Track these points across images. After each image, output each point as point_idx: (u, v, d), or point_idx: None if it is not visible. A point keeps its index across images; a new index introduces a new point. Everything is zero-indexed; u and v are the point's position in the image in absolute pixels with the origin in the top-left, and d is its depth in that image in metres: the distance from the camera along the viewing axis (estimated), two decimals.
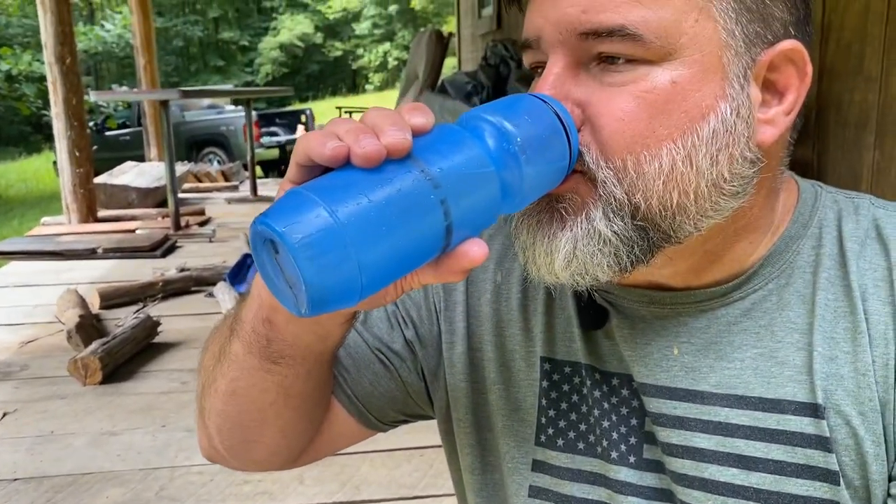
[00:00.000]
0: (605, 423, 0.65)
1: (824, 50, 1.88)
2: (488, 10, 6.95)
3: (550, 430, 0.68)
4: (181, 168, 7.19)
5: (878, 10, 1.68)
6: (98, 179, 6.06)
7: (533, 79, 0.61)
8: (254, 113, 8.35)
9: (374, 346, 0.72)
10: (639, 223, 0.55)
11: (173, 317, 3.39)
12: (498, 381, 0.70)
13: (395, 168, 0.44)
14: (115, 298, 3.56)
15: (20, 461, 2.19)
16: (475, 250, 0.47)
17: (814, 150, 1.94)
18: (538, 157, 0.50)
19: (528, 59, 0.61)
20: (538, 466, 0.68)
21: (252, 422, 0.67)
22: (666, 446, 0.62)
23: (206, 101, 11.59)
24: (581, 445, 0.67)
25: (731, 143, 0.55)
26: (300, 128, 12.25)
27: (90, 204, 5.52)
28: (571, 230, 0.55)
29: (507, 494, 0.70)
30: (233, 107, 11.45)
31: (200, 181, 7.84)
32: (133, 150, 9.64)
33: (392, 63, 29.07)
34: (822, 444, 0.58)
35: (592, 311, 0.66)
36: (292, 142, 11.60)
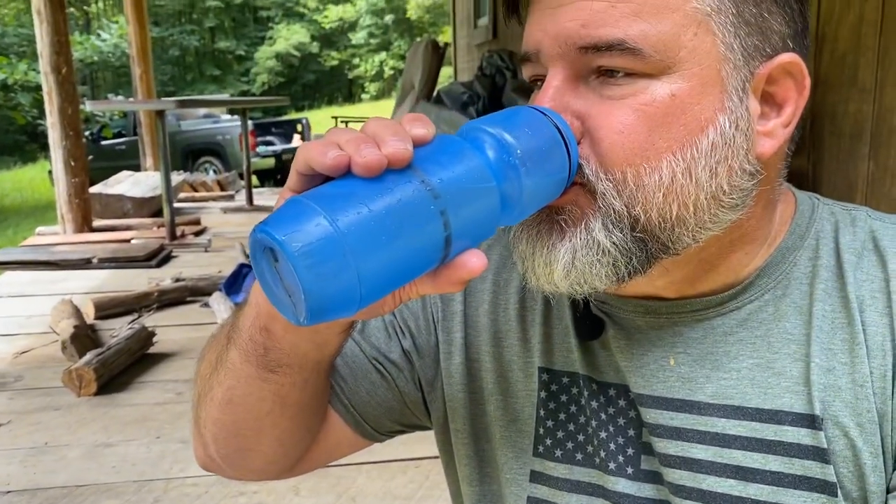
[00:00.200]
0: (603, 434, 0.65)
1: (818, 61, 1.89)
2: (484, 21, 6.98)
3: (548, 441, 0.68)
4: (177, 177, 7.18)
5: (872, 21, 1.69)
6: (93, 189, 6.05)
7: (529, 90, 0.62)
8: (250, 122, 8.35)
9: (371, 356, 0.72)
10: (638, 235, 0.55)
11: (168, 327, 3.38)
12: (496, 392, 0.70)
13: (395, 178, 0.44)
14: (109, 309, 3.54)
15: (13, 473, 2.18)
16: (474, 261, 0.47)
17: (809, 160, 1.95)
18: (538, 169, 0.50)
19: (527, 72, 0.61)
20: (536, 477, 0.68)
21: (248, 430, 0.66)
22: (663, 457, 0.62)
23: (202, 111, 11.59)
24: (579, 456, 0.67)
25: (730, 155, 0.55)
26: (296, 137, 12.26)
27: (85, 214, 5.50)
28: (570, 241, 0.56)
29: None
30: (229, 116, 11.45)
31: (196, 191, 7.83)
32: (129, 160, 9.62)
33: (388, 72, 29.15)
34: (820, 455, 0.58)
35: (589, 321, 0.66)
36: (288, 151, 11.61)
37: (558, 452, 0.67)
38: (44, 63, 5.24)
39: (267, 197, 7.37)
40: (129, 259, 4.59)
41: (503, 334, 0.71)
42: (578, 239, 0.55)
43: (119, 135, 11.28)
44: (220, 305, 3.53)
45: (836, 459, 0.57)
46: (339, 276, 0.40)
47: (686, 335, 0.63)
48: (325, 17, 29.95)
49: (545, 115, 0.53)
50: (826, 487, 0.58)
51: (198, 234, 5.53)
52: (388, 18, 29.28)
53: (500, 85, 5.07)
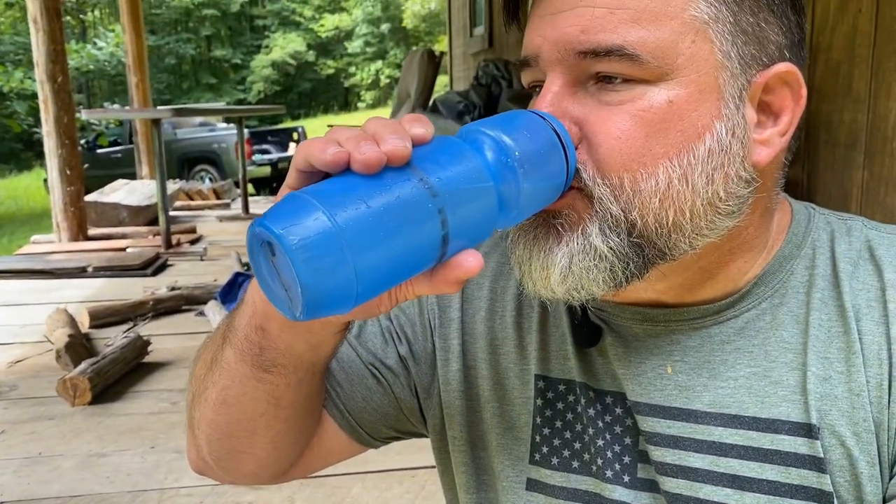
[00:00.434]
0: (600, 442, 0.65)
1: (813, 70, 1.90)
2: (480, 30, 7.01)
3: (545, 449, 0.68)
4: (172, 186, 7.18)
5: (866, 31, 1.70)
6: (89, 197, 6.04)
7: (525, 98, 0.62)
8: (246, 131, 8.36)
9: (367, 361, 0.72)
10: (635, 240, 0.55)
11: (163, 336, 3.37)
12: (492, 399, 0.70)
13: (394, 176, 0.44)
14: (104, 317, 3.53)
15: (7, 483, 2.16)
16: (470, 261, 0.47)
17: (804, 169, 1.96)
18: (536, 172, 0.51)
19: (526, 78, 0.62)
20: (532, 485, 0.68)
21: (242, 432, 0.66)
22: (660, 465, 0.62)
23: (198, 119, 11.59)
24: (576, 464, 0.67)
25: (726, 162, 0.55)
26: (292, 146, 12.26)
27: (81, 222, 5.49)
28: (567, 245, 0.56)
29: None
30: (225, 124, 11.46)
31: (192, 199, 7.83)
32: (124, 168, 9.62)
33: (384, 81, 29.21)
34: (817, 464, 0.58)
35: (587, 328, 0.66)
36: (284, 159, 11.62)
37: (555, 460, 0.67)
38: (40, 72, 5.25)
39: (263, 205, 7.36)
40: (124, 268, 4.58)
41: (500, 342, 0.71)
42: (575, 244, 0.56)
43: (115, 143, 11.27)
44: (215, 314, 3.52)
45: (833, 469, 0.58)
46: (336, 271, 0.41)
47: (683, 343, 0.63)
48: (322, 25, 30.02)
49: (544, 118, 0.54)
50: (822, 497, 0.57)
51: (193, 242, 5.52)
52: (385, 27, 29.37)
53: (496, 94, 5.09)
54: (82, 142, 9.85)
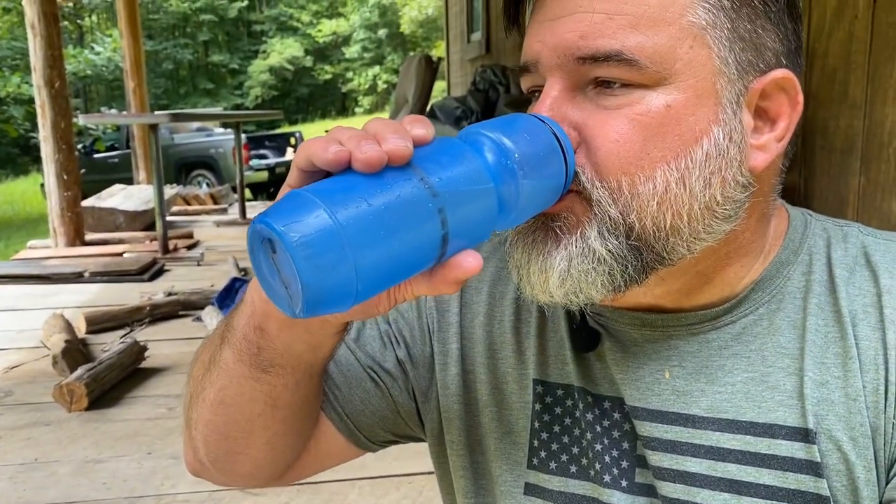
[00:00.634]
0: (598, 447, 0.65)
1: (809, 77, 1.91)
2: (477, 36, 7.02)
3: (543, 453, 0.68)
4: (169, 191, 7.17)
5: (862, 38, 1.71)
6: (86, 202, 6.03)
7: (522, 104, 0.63)
8: (243, 136, 8.36)
9: (365, 364, 0.72)
10: (633, 243, 0.56)
11: (160, 341, 3.36)
12: (490, 404, 0.70)
13: (395, 175, 0.44)
14: (101, 323, 3.52)
15: (3, 490, 2.15)
16: (470, 261, 0.47)
17: (800, 175, 1.96)
18: (535, 174, 0.51)
19: (526, 83, 0.62)
20: (531, 490, 0.68)
21: (239, 432, 0.66)
22: (657, 470, 0.62)
23: (196, 124, 11.59)
24: (574, 469, 0.67)
25: (723, 166, 0.56)
26: (289, 150, 12.27)
27: (77, 227, 5.49)
28: (566, 248, 0.56)
29: None
30: (222, 129, 11.46)
31: (189, 204, 7.82)
32: (121, 173, 9.61)
33: (381, 86, 29.25)
34: (814, 469, 0.58)
35: (585, 333, 0.66)
36: (282, 164, 11.63)
37: (553, 465, 0.67)
38: (37, 77, 5.24)
39: (260, 210, 7.34)
40: (121, 273, 4.57)
41: (498, 346, 0.71)
42: (574, 247, 0.56)
43: (112, 148, 11.27)
44: (212, 320, 3.52)
45: (830, 473, 0.58)
46: (336, 269, 0.41)
47: (681, 349, 0.63)
48: (319, 31, 30.07)
49: (543, 122, 0.54)
50: (819, 501, 0.58)
51: (190, 247, 5.51)
52: (382, 33, 29.42)
53: (494, 100, 5.10)
54: (79, 146, 9.85)
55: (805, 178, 1.95)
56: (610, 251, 0.55)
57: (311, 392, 0.66)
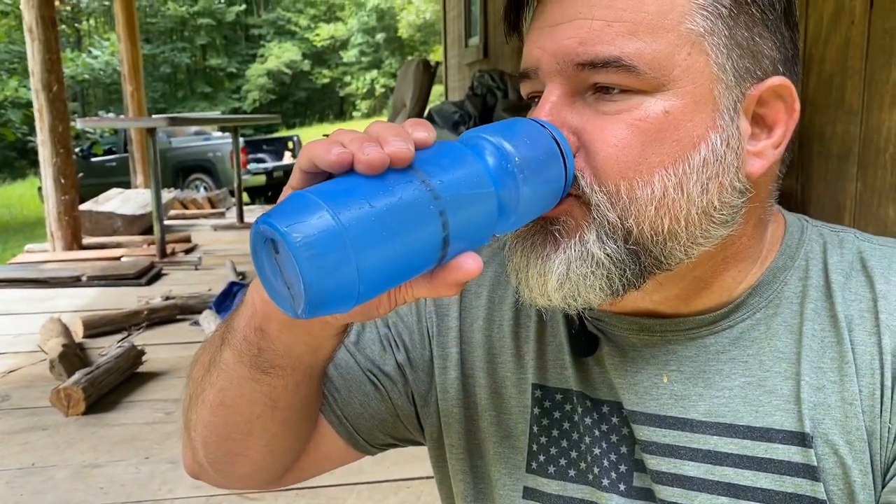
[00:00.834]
0: (596, 451, 0.66)
1: (806, 82, 1.91)
2: (475, 40, 7.03)
3: (542, 457, 0.68)
4: (167, 195, 7.16)
5: (858, 44, 1.72)
6: (83, 206, 6.02)
7: (520, 109, 0.63)
8: (241, 139, 8.35)
9: (365, 368, 0.72)
10: (631, 247, 0.56)
11: (158, 346, 3.36)
12: (489, 408, 0.71)
13: (397, 177, 0.45)
14: (99, 327, 3.51)
15: (0, 494, 2.15)
16: (470, 263, 0.48)
17: (797, 180, 1.97)
18: (535, 178, 0.52)
19: (525, 89, 0.63)
20: (529, 494, 0.68)
21: (238, 434, 0.66)
22: (655, 474, 0.63)
23: (194, 128, 11.58)
24: (572, 473, 0.67)
25: (720, 172, 0.56)
26: (287, 154, 12.27)
27: (75, 231, 5.48)
28: (565, 252, 0.57)
29: None
30: (220, 133, 11.46)
31: (186, 208, 7.82)
32: (119, 177, 9.60)
33: (379, 90, 29.26)
34: (810, 472, 0.58)
35: (584, 338, 0.67)
36: (279, 168, 11.62)
37: (551, 469, 0.68)
38: (35, 81, 5.24)
39: (258, 214, 7.31)
40: (118, 277, 4.56)
41: (497, 351, 0.71)
42: (573, 251, 0.56)
43: (109, 151, 11.26)
44: (210, 324, 3.51)
45: (826, 477, 0.58)
46: (339, 269, 0.41)
47: (679, 353, 0.64)
48: (317, 35, 30.08)
49: (543, 126, 0.55)
50: None
51: (188, 251, 5.51)
52: (380, 37, 29.44)
53: (491, 104, 5.10)
54: (77, 150, 9.83)
55: (802, 184, 1.96)
56: (608, 255, 0.56)
57: (311, 394, 0.67)
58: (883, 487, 0.58)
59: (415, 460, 2.17)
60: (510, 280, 0.61)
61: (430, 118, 5.33)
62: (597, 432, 0.66)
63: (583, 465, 0.66)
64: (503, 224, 0.51)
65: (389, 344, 0.73)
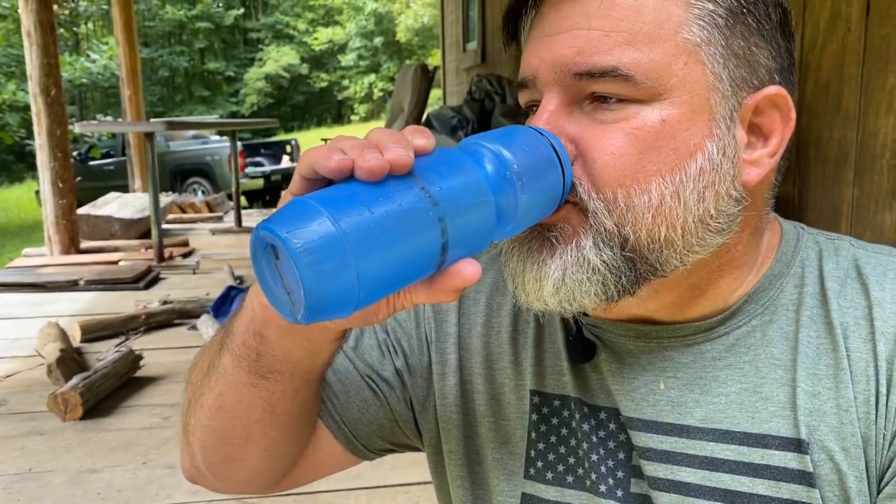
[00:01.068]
0: (594, 457, 0.66)
1: (803, 88, 1.92)
2: (473, 45, 7.04)
3: (539, 464, 0.68)
4: (165, 199, 7.16)
5: (855, 49, 1.72)
6: (81, 210, 6.02)
7: (519, 114, 0.64)
8: (239, 143, 8.35)
9: (364, 373, 0.72)
10: (627, 254, 0.57)
11: (156, 350, 3.35)
12: (488, 414, 0.71)
13: (396, 184, 0.45)
14: (96, 332, 3.51)
15: None
16: (469, 269, 0.48)
17: (794, 185, 1.97)
18: (533, 185, 0.52)
19: (524, 98, 0.63)
20: (527, 500, 0.69)
21: (236, 438, 0.66)
22: (652, 480, 0.63)
23: (192, 131, 11.58)
24: (570, 479, 0.67)
25: (717, 180, 0.56)
26: (285, 158, 12.27)
27: (72, 235, 5.47)
28: (561, 258, 0.57)
29: None
30: (218, 137, 11.46)
31: (184, 212, 7.81)
32: (117, 180, 9.59)
33: (377, 94, 29.29)
34: (806, 479, 0.59)
35: (581, 344, 0.67)
36: (277, 172, 11.62)
37: (549, 475, 0.68)
38: (33, 85, 5.24)
39: (256, 218, 7.34)
40: (116, 281, 4.56)
41: (495, 357, 0.72)
42: (569, 256, 0.57)
43: (107, 155, 11.25)
44: (207, 328, 3.51)
45: (822, 483, 0.58)
46: (339, 275, 0.41)
47: (676, 360, 0.64)
48: (315, 39, 30.11)
49: (541, 134, 0.55)
50: None
51: (186, 255, 5.51)
52: (378, 41, 29.47)
53: (489, 109, 5.10)
54: (75, 154, 9.82)
55: (799, 189, 1.96)
56: (604, 261, 0.56)
57: (309, 399, 0.67)
58: (878, 494, 0.58)
59: (413, 466, 2.17)
60: (507, 285, 0.62)
61: (428, 123, 5.34)
62: (594, 438, 0.66)
63: (580, 471, 0.67)
64: (501, 230, 0.52)
65: (388, 350, 0.74)
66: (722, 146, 0.56)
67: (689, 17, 0.55)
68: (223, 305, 3.67)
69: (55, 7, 5.67)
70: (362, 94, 29.98)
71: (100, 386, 2.76)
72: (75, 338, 3.43)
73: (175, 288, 4.52)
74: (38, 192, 6.20)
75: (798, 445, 0.59)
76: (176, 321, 3.78)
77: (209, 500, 2.07)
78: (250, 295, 0.59)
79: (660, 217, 0.56)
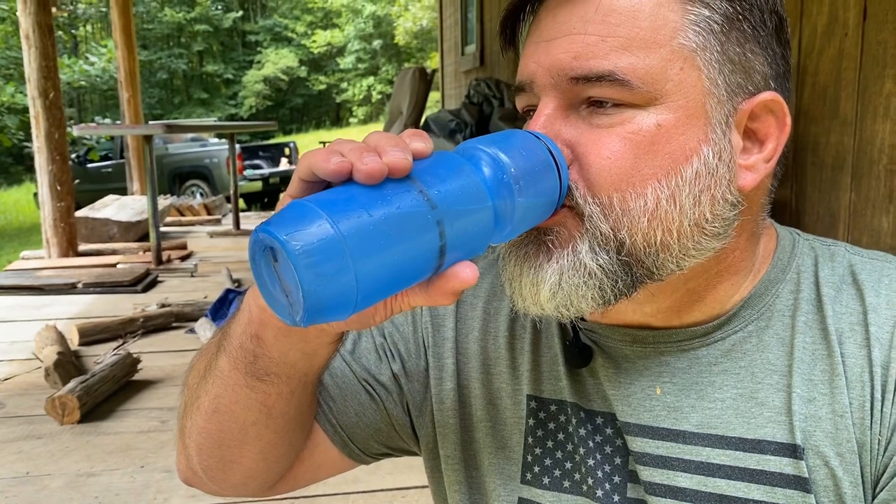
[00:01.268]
0: (591, 462, 0.66)
1: (800, 93, 1.93)
2: (471, 48, 7.05)
3: (536, 468, 0.69)
4: (163, 201, 7.16)
5: (852, 55, 1.73)
6: (79, 213, 6.02)
7: (517, 118, 0.64)
8: (237, 146, 8.35)
9: (361, 377, 0.73)
10: (623, 258, 0.57)
11: (153, 354, 3.35)
12: (485, 419, 0.71)
13: (395, 187, 0.45)
14: (94, 335, 3.50)
15: None
16: (466, 272, 0.48)
17: (792, 190, 1.98)
18: (530, 189, 0.52)
19: (521, 103, 0.63)
20: None
21: (232, 441, 0.66)
22: (649, 485, 0.63)
23: (190, 134, 11.58)
24: (566, 483, 0.67)
25: (712, 185, 0.57)
26: (284, 161, 12.27)
27: (71, 238, 5.47)
28: (558, 262, 0.57)
29: None
30: (216, 139, 11.45)
31: (183, 214, 7.81)
32: (115, 183, 9.59)
33: (376, 97, 29.30)
34: (802, 484, 0.59)
35: (578, 349, 0.67)
36: (276, 175, 11.62)
37: (546, 480, 0.68)
38: (31, 87, 5.24)
39: (254, 221, 7.34)
40: (114, 284, 4.55)
41: (492, 362, 0.72)
42: (566, 260, 0.57)
43: (106, 158, 11.25)
44: (205, 332, 3.50)
45: (818, 489, 0.59)
46: (337, 277, 0.41)
47: (672, 365, 0.64)
48: (314, 41, 30.12)
49: (539, 138, 0.55)
50: None
51: (184, 258, 5.50)
52: (377, 44, 29.49)
53: (488, 113, 5.11)
54: (73, 156, 9.83)
55: (796, 194, 1.97)
56: (601, 266, 0.57)
57: (305, 402, 0.67)
58: (873, 499, 0.58)
59: (410, 469, 2.17)
60: (504, 290, 0.62)
61: (426, 126, 5.34)
62: (591, 443, 0.66)
63: (577, 476, 0.67)
64: (499, 234, 0.52)
65: (385, 354, 0.74)
66: (717, 151, 0.57)
67: (684, 22, 0.56)
68: (221, 308, 3.67)
69: (54, 10, 5.67)
70: (361, 96, 29.98)
71: (97, 389, 2.76)
72: (73, 341, 3.43)
73: (173, 291, 4.52)
74: (36, 195, 6.20)
75: (793, 451, 0.59)
76: (174, 324, 3.77)
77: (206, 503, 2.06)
78: (248, 297, 0.59)
79: (655, 221, 0.56)
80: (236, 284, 4.41)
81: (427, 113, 6.03)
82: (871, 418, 0.58)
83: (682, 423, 0.63)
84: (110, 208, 6.54)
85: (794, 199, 1.96)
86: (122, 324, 3.62)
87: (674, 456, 0.62)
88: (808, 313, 0.62)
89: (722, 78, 0.56)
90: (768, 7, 0.58)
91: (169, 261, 5.27)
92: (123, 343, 3.51)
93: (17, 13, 5.25)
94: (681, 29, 0.56)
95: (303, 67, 30.10)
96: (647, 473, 0.63)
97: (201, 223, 7.53)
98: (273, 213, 0.45)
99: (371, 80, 29.53)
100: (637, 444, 0.64)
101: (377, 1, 28.62)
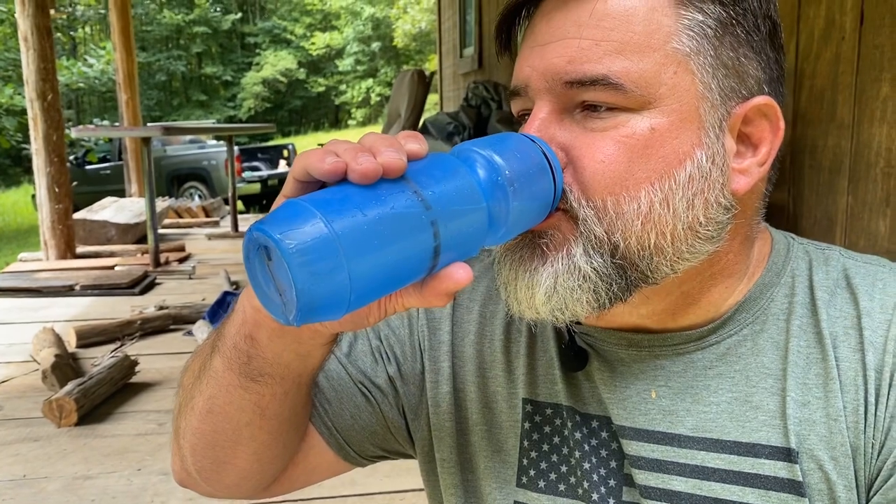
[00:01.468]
0: (586, 465, 0.66)
1: (798, 97, 1.93)
2: (470, 51, 7.05)
3: (532, 472, 0.69)
4: (161, 204, 7.16)
5: (849, 58, 1.73)
6: (77, 215, 6.01)
7: (515, 121, 0.64)
8: (236, 148, 8.35)
9: (357, 379, 0.73)
10: (617, 262, 0.57)
11: (151, 356, 3.34)
12: (480, 423, 0.71)
13: (389, 187, 0.45)
14: (92, 337, 3.50)
15: None
16: (460, 273, 0.48)
17: (789, 193, 1.98)
18: (525, 191, 0.53)
19: (516, 107, 0.64)
20: None
21: (226, 441, 0.66)
22: (644, 489, 0.63)
23: (188, 136, 11.58)
24: (562, 487, 0.67)
25: (706, 188, 0.57)
26: (282, 163, 12.27)
27: (69, 240, 5.47)
28: (553, 265, 0.57)
29: None
30: (215, 141, 11.45)
31: (181, 216, 7.80)
32: (113, 184, 9.60)
33: (374, 99, 29.31)
34: (796, 488, 0.59)
35: (573, 353, 0.67)
36: (274, 177, 11.63)
37: (542, 483, 0.68)
38: (29, 89, 5.24)
39: (252, 223, 7.32)
40: (112, 286, 4.55)
41: (488, 365, 0.72)
42: (560, 264, 0.57)
43: (104, 160, 11.25)
44: (203, 334, 3.50)
45: (812, 492, 0.59)
46: (331, 276, 0.42)
47: (667, 368, 0.64)
48: (313, 43, 30.13)
49: (533, 141, 0.56)
50: None
51: (182, 260, 5.50)
52: (375, 46, 29.50)
53: (486, 116, 5.12)
54: (71, 158, 9.82)
55: (794, 197, 1.97)
56: (595, 269, 0.57)
57: (299, 403, 0.67)
58: (867, 503, 0.58)
59: (407, 472, 2.17)
60: (500, 293, 0.62)
61: (424, 129, 5.35)
62: (586, 447, 0.66)
63: (573, 479, 0.67)
64: (493, 236, 0.52)
65: (381, 356, 0.74)
66: (711, 154, 0.57)
67: (678, 27, 0.56)
68: (219, 310, 3.67)
69: (52, 12, 5.68)
70: (359, 98, 29.99)
71: (95, 392, 2.75)
72: (70, 343, 3.42)
73: (171, 293, 4.51)
74: (34, 197, 6.19)
75: (788, 454, 0.59)
76: (172, 327, 3.77)
77: None
78: (242, 298, 0.59)
79: (649, 224, 0.56)
80: (234, 287, 4.41)
81: (425, 115, 6.03)
82: (865, 422, 0.58)
83: (677, 427, 0.63)
84: (108, 210, 6.54)
85: (791, 202, 1.97)
86: (119, 326, 3.62)
87: (669, 459, 0.63)
88: (803, 317, 0.63)
89: (715, 82, 0.57)
90: (762, 12, 0.59)
91: (167, 263, 5.27)
92: (121, 345, 3.50)
93: (16, 15, 5.26)
94: (675, 33, 0.56)
95: (301, 69, 30.11)
96: (643, 477, 0.63)
97: (199, 225, 7.53)
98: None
99: (370, 82, 29.54)
100: (632, 447, 0.64)
101: (376, 3, 28.64)
